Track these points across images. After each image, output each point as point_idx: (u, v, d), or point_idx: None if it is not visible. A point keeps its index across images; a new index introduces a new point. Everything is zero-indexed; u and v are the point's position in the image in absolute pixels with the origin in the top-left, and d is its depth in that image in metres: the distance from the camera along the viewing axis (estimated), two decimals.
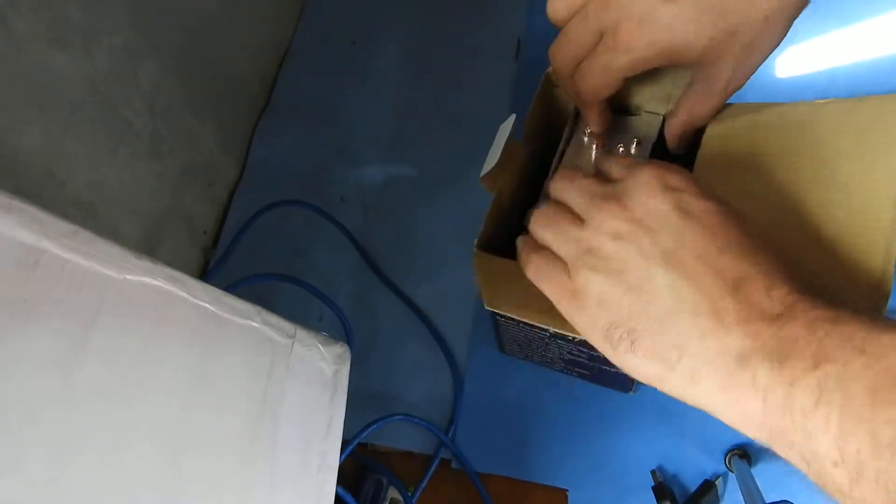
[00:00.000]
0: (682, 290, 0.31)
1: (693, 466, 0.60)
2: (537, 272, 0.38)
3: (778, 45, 0.38)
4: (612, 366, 0.55)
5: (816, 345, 0.26)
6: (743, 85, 0.40)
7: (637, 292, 0.32)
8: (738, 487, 0.56)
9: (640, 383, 0.62)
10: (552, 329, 0.47)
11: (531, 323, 0.48)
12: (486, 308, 0.48)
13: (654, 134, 0.49)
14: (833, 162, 0.39)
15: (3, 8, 0.50)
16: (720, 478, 0.58)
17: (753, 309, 0.29)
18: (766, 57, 0.38)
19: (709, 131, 0.44)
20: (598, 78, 0.40)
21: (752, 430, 0.29)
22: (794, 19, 0.37)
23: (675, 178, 0.34)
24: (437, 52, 0.87)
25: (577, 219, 0.37)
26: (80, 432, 0.30)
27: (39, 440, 0.28)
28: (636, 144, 0.48)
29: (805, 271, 0.33)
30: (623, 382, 0.60)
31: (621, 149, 0.48)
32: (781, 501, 0.51)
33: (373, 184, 0.80)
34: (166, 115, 0.70)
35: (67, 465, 0.29)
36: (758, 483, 0.54)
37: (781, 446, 0.27)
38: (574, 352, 0.54)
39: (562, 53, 0.42)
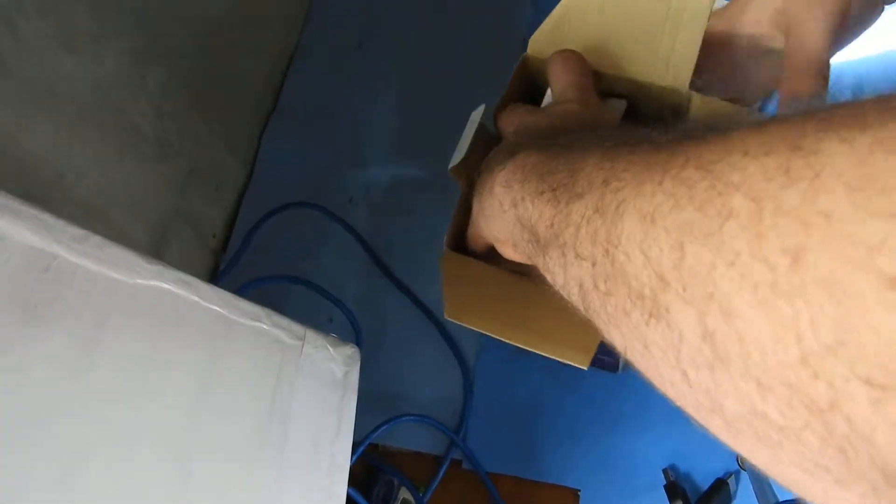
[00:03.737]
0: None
1: (705, 465, 0.60)
2: None
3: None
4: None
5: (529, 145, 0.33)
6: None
7: None
8: (750, 485, 0.55)
9: (625, 364, 0.61)
10: (517, 345, 0.44)
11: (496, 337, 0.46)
12: (446, 318, 0.46)
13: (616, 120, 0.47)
14: None
15: (13, 12, 0.50)
16: (732, 476, 0.58)
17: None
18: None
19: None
20: None
21: (489, 211, 0.35)
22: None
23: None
24: (442, 53, 0.87)
25: None
26: (89, 437, 0.30)
27: (50, 444, 0.28)
28: None
29: None
30: (609, 365, 0.59)
31: None
32: (793, 499, 0.50)
33: (380, 185, 0.80)
34: (174, 119, 0.70)
35: (77, 469, 0.29)
36: (770, 481, 0.54)
37: (511, 219, 0.32)
38: None
39: None
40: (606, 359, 0.57)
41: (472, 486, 0.63)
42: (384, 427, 0.61)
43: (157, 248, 0.69)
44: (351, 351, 0.51)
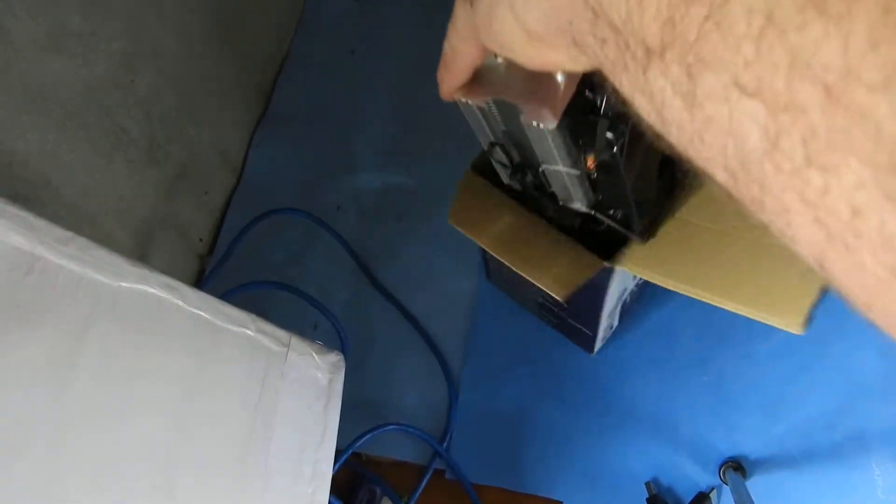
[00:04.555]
0: None
1: (687, 478, 0.60)
2: None
3: None
4: (578, 320, 0.54)
5: None
6: None
7: None
8: (732, 500, 0.56)
9: (600, 346, 0.62)
10: (514, 268, 0.46)
11: (496, 257, 0.47)
12: (449, 223, 0.47)
13: None
14: None
15: (2, 14, 0.50)
16: (714, 490, 0.58)
17: None
18: None
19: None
20: None
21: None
22: None
23: None
24: (434, 62, 0.87)
25: None
26: (72, 448, 0.30)
27: (33, 456, 0.28)
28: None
29: None
30: (586, 341, 0.59)
31: None
32: None
33: (369, 193, 0.80)
34: (163, 123, 0.70)
35: (59, 485, 0.29)
36: (752, 495, 0.54)
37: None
38: (547, 297, 0.54)
39: None
40: (585, 331, 0.57)
41: (456, 497, 0.63)
42: (368, 436, 0.61)
43: (142, 252, 0.69)
44: (336, 358, 0.51)
